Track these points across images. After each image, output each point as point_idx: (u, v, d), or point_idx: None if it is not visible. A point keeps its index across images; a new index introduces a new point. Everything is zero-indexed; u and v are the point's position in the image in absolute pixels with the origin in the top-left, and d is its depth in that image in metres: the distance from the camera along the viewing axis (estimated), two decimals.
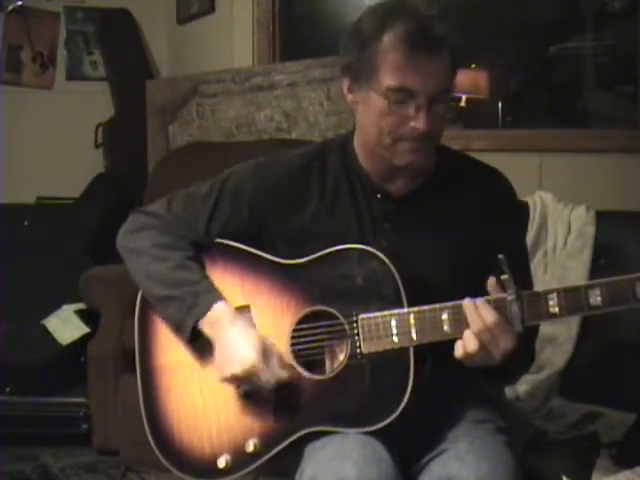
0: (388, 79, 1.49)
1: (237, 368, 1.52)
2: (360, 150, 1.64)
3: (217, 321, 1.56)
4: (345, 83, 1.59)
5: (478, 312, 1.44)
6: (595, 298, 1.42)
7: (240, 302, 1.61)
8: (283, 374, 1.53)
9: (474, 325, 1.44)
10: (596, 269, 2.38)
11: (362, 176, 1.64)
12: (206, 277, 1.62)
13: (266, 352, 1.53)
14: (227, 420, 1.58)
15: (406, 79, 1.48)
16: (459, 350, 1.45)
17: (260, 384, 1.53)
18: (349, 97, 1.59)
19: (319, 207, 1.63)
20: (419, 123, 1.50)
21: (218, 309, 1.57)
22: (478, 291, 1.46)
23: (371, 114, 1.54)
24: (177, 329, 1.61)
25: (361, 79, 1.53)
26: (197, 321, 1.57)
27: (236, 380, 1.54)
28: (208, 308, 1.57)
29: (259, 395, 1.56)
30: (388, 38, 1.49)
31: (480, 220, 1.61)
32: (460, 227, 1.61)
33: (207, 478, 1.58)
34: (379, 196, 1.63)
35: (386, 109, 1.51)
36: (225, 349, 1.54)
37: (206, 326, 1.57)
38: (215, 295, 1.59)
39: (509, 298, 1.44)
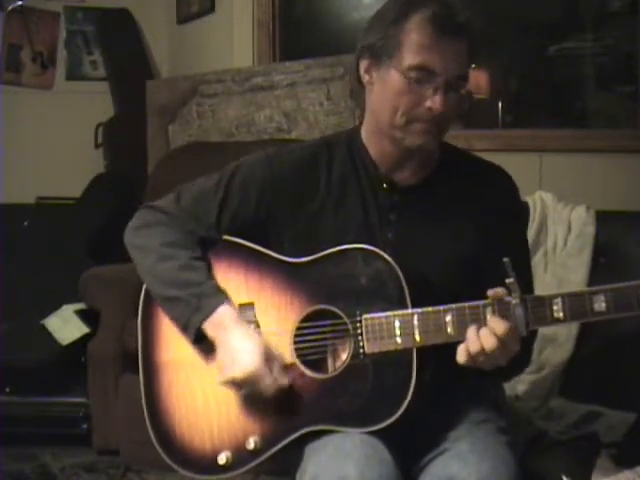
0: (410, 57, 1.51)
1: (238, 373, 1.52)
2: (369, 136, 1.65)
3: (220, 323, 1.56)
4: (363, 64, 1.60)
5: (492, 330, 1.42)
6: (599, 304, 1.42)
7: (244, 299, 1.61)
8: (283, 381, 1.53)
9: (487, 344, 1.42)
10: (596, 269, 2.38)
11: (369, 166, 1.65)
12: (211, 278, 1.62)
13: (268, 358, 1.53)
14: (228, 417, 1.59)
15: (428, 59, 1.51)
16: (462, 354, 1.44)
17: (260, 390, 1.53)
18: (366, 78, 1.60)
19: (326, 198, 1.64)
20: (435, 104, 1.51)
21: (221, 312, 1.56)
22: (480, 286, 1.46)
23: (388, 92, 1.55)
24: (183, 329, 1.61)
25: (382, 57, 1.55)
26: (201, 323, 1.57)
27: (236, 384, 1.54)
28: (211, 311, 1.56)
29: (260, 394, 1.55)
30: (415, 18, 1.52)
31: (484, 214, 1.62)
32: (465, 220, 1.62)
33: (208, 474, 1.58)
34: (385, 186, 1.64)
35: (404, 88, 1.52)
36: (227, 352, 1.54)
37: (209, 328, 1.57)
38: (219, 298, 1.58)
39: (513, 302, 1.43)
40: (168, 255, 1.63)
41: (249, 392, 1.55)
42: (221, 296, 1.59)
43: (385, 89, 1.56)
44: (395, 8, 1.55)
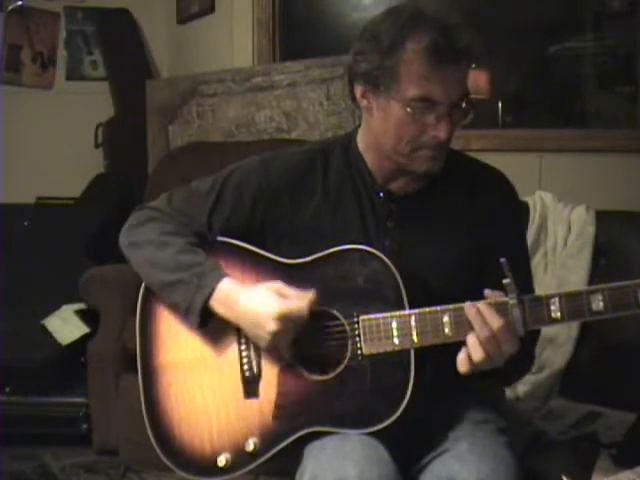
0: (412, 89, 1.48)
1: (271, 324, 1.49)
2: (366, 150, 1.64)
3: (227, 297, 1.55)
4: (359, 88, 1.56)
5: (484, 319, 1.42)
6: (597, 303, 1.41)
7: None
8: (307, 299, 1.51)
9: (481, 332, 1.42)
10: (596, 269, 2.38)
11: (365, 175, 1.64)
12: (209, 259, 1.60)
13: (280, 292, 1.52)
14: (227, 419, 1.58)
15: (430, 89, 1.47)
16: (463, 363, 1.44)
17: (298, 321, 1.51)
18: (363, 102, 1.57)
19: (322, 205, 1.63)
20: (440, 132, 1.50)
21: (224, 286, 1.55)
22: (479, 291, 1.46)
23: (390, 122, 1.53)
24: (186, 313, 1.58)
25: (380, 86, 1.52)
26: (206, 302, 1.55)
27: (280, 335, 1.51)
28: (214, 286, 1.55)
29: (260, 394, 1.56)
30: (412, 47, 1.47)
31: (482, 220, 1.61)
32: (462, 227, 1.61)
33: (207, 476, 1.58)
34: (382, 195, 1.63)
35: (407, 119, 1.50)
36: (249, 318, 1.53)
37: (218, 306, 1.55)
38: (219, 272, 1.57)
39: (511, 302, 1.43)
40: (166, 242, 1.62)
41: (293, 332, 1.52)
42: (220, 271, 1.58)
43: (387, 119, 1.53)
44: (390, 33, 1.49)
